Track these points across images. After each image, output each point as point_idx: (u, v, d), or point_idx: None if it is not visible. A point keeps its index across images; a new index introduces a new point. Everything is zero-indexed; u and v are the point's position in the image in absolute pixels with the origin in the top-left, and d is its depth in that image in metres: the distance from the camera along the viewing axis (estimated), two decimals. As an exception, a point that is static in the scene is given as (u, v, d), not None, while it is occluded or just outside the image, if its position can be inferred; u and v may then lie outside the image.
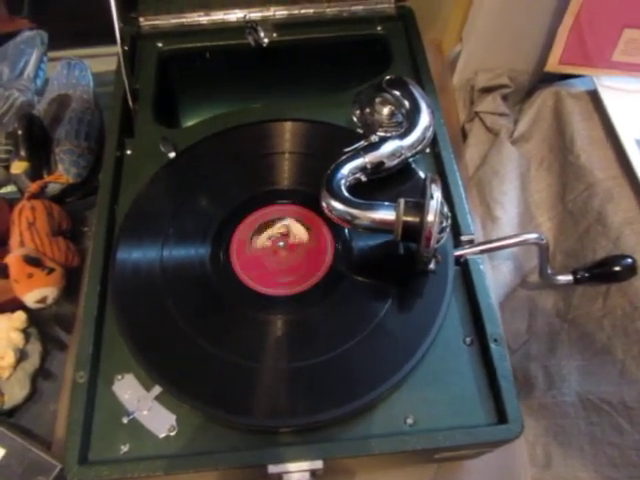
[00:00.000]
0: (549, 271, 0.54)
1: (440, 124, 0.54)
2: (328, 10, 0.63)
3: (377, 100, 0.55)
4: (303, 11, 0.63)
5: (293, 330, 0.44)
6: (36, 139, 0.60)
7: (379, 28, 0.64)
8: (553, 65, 0.62)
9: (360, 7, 0.63)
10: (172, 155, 0.53)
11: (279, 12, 0.63)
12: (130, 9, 0.61)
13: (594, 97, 0.63)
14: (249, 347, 0.43)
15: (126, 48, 0.59)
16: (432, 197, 0.40)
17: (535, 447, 0.57)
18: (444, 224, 0.42)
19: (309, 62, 0.64)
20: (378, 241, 0.48)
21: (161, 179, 0.51)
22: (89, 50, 0.80)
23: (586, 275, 0.54)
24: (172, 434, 0.41)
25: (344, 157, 0.47)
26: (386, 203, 0.43)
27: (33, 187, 0.60)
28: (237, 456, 0.40)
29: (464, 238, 0.49)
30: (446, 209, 0.42)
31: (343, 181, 0.45)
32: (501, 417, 0.41)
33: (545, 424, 0.57)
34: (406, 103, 0.51)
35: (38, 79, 0.73)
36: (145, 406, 0.42)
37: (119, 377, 0.43)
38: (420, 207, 0.41)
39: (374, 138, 0.49)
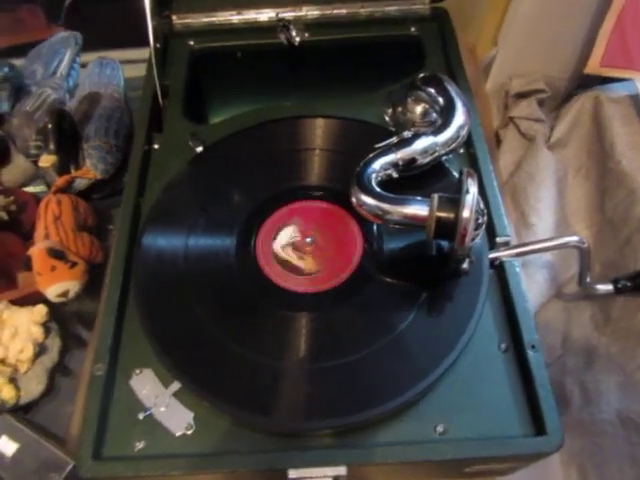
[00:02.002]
0: (588, 280, 0.51)
1: (476, 124, 0.52)
2: (362, 10, 0.62)
3: (410, 98, 0.53)
4: (336, 11, 0.62)
5: (318, 329, 0.42)
6: (65, 134, 0.60)
7: (413, 29, 0.62)
8: (593, 67, 0.59)
9: (394, 7, 0.62)
10: (200, 150, 0.52)
11: (311, 12, 0.62)
12: (163, 7, 0.61)
13: (636, 102, 0.61)
14: (272, 345, 0.42)
15: (158, 46, 0.59)
16: (468, 192, 0.38)
17: (570, 467, 0.53)
18: (480, 220, 0.40)
19: (341, 63, 0.63)
20: (409, 241, 0.46)
21: (191, 171, 0.51)
22: (122, 53, 0.81)
23: (628, 285, 0.51)
24: (189, 433, 0.39)
25: (375, 152, 0.46)
26: (419, 198, 0.41)
27: (60, 181, 0.60)
28: (256, 459, 0.38)
29: (499, 240, 0.46)
30: (482, 205, 0.40)
31: (374, 175, 0.44)
32: (539, 428, 0.39)
33: (581, 443, 0.54)
34: (441, 100, 0.49)
35: (71, 78, 0.74)
36: (163, 402, 0.40)
37: (137, 371, 0.42)
38: (455, 202, 0.39)
39: (407, 134, 0.47)
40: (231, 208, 0.48)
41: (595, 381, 0.55)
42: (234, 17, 0.62)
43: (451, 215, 0.39)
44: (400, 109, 0.54)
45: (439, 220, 0.40)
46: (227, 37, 0.62)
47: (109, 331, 0.42)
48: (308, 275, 0.45)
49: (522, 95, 0.70)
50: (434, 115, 0.52)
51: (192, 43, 0.62)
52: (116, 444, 0.39)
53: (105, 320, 0.43)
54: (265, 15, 0.62)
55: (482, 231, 0.41)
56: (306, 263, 0.46)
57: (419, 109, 0.53)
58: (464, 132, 0.49)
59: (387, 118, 0.55)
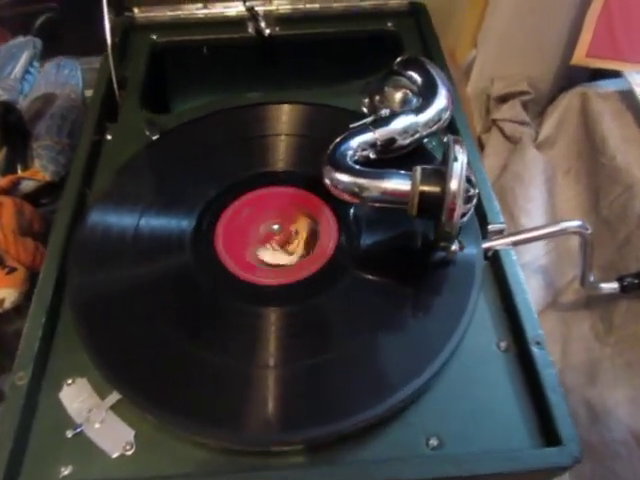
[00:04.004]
0: (592, 278, 0.46)
1: (459, 109, 0.48)
2: (335, 5, 0.59)
3: (388, 86, 0.49)
4: (308, 5, 0.59)
5: (282, 327, 0.36)
6: (11, 129, 0.55)
7: (389, 24, 0.59)
8: (580, 58, 0.56)
9: (369, 2, 0.60)
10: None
11: (282, 6, 0.59)
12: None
13: (624, 96, 0.58)
14: (229, 346, 0.35)
15: (117, 39, 0.55)
16: (456, 159, 0.33)
17: (580, 496, 0.47)
18: (470, 192, 0.34)
19: (314, 58, 0.59)
20: (391, 230, 0.41)
21: (147, 155, 0.45)
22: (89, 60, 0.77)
23: (635, 282, 0.46)
24: (128, 453, 0.32)
25: (350, 132, 0.41)
26: (401, 172, 0.36)
27: (3, 181, 0.54)
28: (209, 482, 0.31)
29: (492, 228, 0.41)
30: (473, 177, 0.35)
31: (350, 153, 0.39)
32: (550, 438, 0.32)
33: (591, 467, 0.47)
34: (422, 81, 0.45)
35: (26, 83, 0.69)
36: (97, 417, 0.33)
37: (69, 381, 0.35)
38: (441, 175, 0.35)
39: (385, 112, 0.43)
40: (189, 195, 0.42)
41: (601, 397, 0.49)
42: (200, 11, 0.59)
43: (436, 189, 0.34)
44: (378, 98, 0.50)
45: (423, 194, 0.35)
46: (192, 31, 0.58)
47: (36, 332, 0.35)
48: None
49: (505, 98, 0.67)
50: (414, 101, 0.47)
51: (155, 37, 0.58)
52: (36, 469, 0.32)
53: (33, 320, 0.36)
54: (233, 10, 0.59)
55: (473, 206, 0.35)
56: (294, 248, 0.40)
57: (398, 96, 0.49)
58: (446, 115, 0.44)
59: (364, 109, 0.51)
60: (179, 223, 0.40)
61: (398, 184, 0.35)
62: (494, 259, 0.40)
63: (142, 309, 0.36)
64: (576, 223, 0.40)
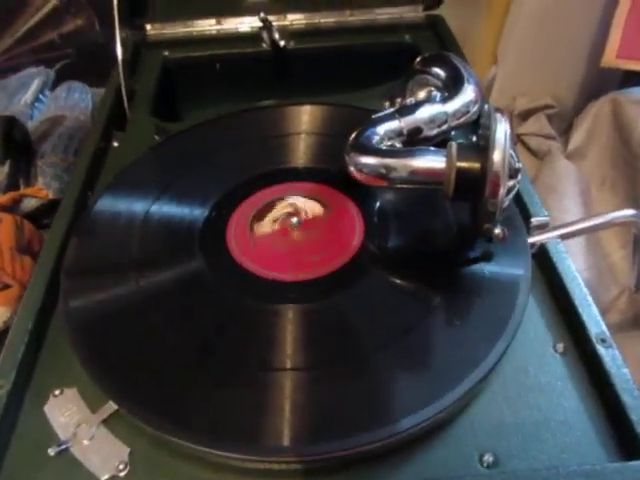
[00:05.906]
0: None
1: (489, 108, 0.45)
2: (351, 18, 0.58)
3: (411, 86, 0.47)
4: (323, 20, 0.58)
5: (305, 326, 0.31)
6: (15, 144, 0.53)
7: (407, 37, 0.58)
8: (610, 60, 0.54)
9: (385, 16, 0.58)
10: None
11: (297, 21, 0.58)
12: (136, 17, 0.56)
13: (659, 101, 0.55)
14: (239, 348, 0.30)
15: (128, 55, 0.54)
16: (498, 129, 0.30)
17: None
18: (516, 165, 0.31)
19: (328, 73, 0.57)
20: (421, 222, 0.37)
21: (159, 151, 0.43)
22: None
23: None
24: (122, 474, 0.27)
25: (374, 121, 0.38)
26: (432, 148, 0.33)
27: (4, 198, 0.51)
28: (218, 509, 0.25)
29: (535, 222, 0.37)
30: (515, 155, 0.32)
31: (376, 138, 0.35)
32: (630, 449, 0.27)
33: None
34: (447, 74, 0.43)
35: (36, 110, 0.68)
36: (86, 433, 0.28)
37: (57, 392, 0.30)
38: (479, 149, 0.31)
39: (410, 100, 0.40)
40: (202, 189, 0.39)
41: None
42: (213, 27, 0.58)
43: (476, 163, 0.30)
44: (399, 100, 0.47)
45: (460, 170, 0.31)
46: (204, 47, 0.57)
47: (22, 338, 0.31)
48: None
49: (528, 114, 0.64)
50: (439, 96, 0.44)
51: (167, 54, 0.57)
52: (10, 493, 0.27)
53: (19, 324, 0.32)
54: (246, 25, 0.58)
55: (518, 184, 0.31)
56: None
57: (422, 94, 0.45)
58: (474, 109, 0.41)
59: (385, 113, 0.48)
60: (191, 214, 0.37)
61: (431, 161, 0.32)
62: (541, 254, 0.36)
63: (144, 308, 0.32)
64: (630, 212, 0.36)
